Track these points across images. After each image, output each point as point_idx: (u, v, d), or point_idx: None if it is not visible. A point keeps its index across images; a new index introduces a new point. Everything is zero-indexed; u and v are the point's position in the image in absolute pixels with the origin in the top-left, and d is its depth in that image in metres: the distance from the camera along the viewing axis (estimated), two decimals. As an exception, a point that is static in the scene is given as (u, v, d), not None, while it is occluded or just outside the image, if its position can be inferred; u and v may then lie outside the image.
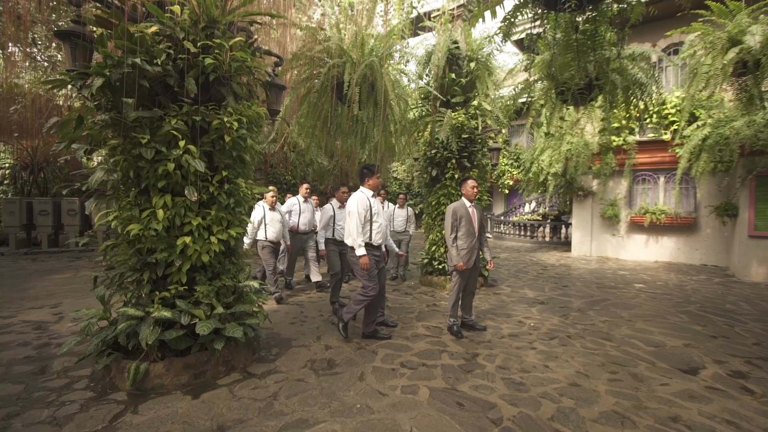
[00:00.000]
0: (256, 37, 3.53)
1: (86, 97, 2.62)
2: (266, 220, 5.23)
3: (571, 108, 7.89)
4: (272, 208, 5.31)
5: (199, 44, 2.82)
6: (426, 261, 6.58)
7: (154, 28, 2.73)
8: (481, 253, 4.22)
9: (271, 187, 5.46)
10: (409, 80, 6.38)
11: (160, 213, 2.76)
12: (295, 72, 5.28)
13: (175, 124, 2.73)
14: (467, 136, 6.13)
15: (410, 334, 4.00)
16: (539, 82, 5.35)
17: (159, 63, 2.71)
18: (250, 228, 5.16)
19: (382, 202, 6.43)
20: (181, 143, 2.71)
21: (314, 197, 6.50)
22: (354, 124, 5.56)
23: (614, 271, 8.30)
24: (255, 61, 3.50)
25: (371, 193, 3.78)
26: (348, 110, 4.99)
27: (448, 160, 6.26)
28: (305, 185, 6.01)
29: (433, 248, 6.49)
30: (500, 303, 5.42)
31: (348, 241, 3.69)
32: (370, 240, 3.69)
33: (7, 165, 13.86)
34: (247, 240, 5.12)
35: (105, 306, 2.80)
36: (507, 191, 17.55)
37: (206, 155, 3.02)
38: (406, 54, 6.35)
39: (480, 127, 6.32)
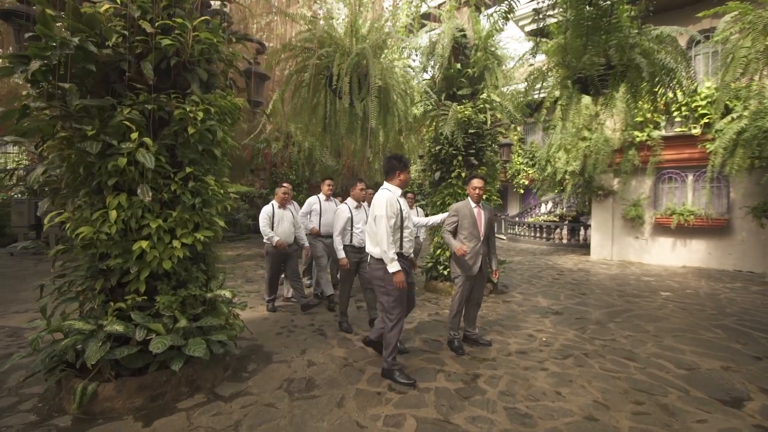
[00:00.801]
0: (230, 20, 3.20)
1: (28, 82, 2.33)
2: (274, 219, 4.71)
3: (589, 100, 7.32)
4: (282, 206, 4.79)
5: (157, 24, 2.50)
6: (430, 265, 6.16)
7: (106, 6, 2.43)
8: (489, 259, 3.79)
9: (285, 185, 4.93)
10: (415, 73, 5.99)
11: (113, 214, 2.45)
12: (289, 65, 4.96)
13: (128, 114, 2.42)
14: (474, 131, 5.68)
15: (406, 348, 3.60)
16: (553, 70, 4.85)
17: (110, 45, 2.40)
18: (263, 228, 4.73)
19: (411, 206, 5.95)
20: (133, 135, 2.39)
21: (339, 198, 5.80)
22: (352, 119, 5.22)
23: (637, 276, 7.67)
24: (231, 47, 3.17)
25: (400, 191, 2.99)
26: (346, 105, 4.63)
27: (454, 158, 5.82)
28: (327, 181, 5.28)
29: (438, 252, 6.06)
30: (510, 313, 4.95)
31: (374, 252, 2.94)
32: (401, 249, 2.95)
33: (22, 165, 14.10)
34: (266, 241, 4.74)
35: (47, 318, 2.50)
36: (522, 191, 16.90)
37: (169, 150, 2.70)
38: (408, 46, 5.97)
39: (489, 122, 5.85)
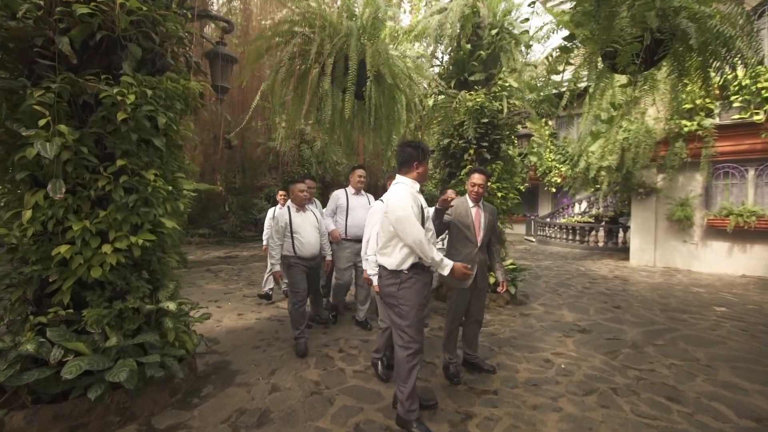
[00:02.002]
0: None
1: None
2: (292, 226, 3.59)
3: (625, 82, 6.40)
4: (301, 208, 3.69)
5: (76, -10, 2.12)
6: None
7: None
8: (492, 270, 3.18)
9: (307, 180, 3.88)
10: (425, 58, 5.43)
11: (27, 214, 2.10)
12: (280, 52, 4.54)
13: (40, 98, 2.05)
14: (487, 120, 5.02)
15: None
16: (579, 44, 4.11)
17: (19, 17, 2.05)
18: (269, 239, 3.98)
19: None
20: (42, 122, 2.02)
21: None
22: (363, 113, 4.73)
23: (685, 287, 6.64)
24: (187, 24, 2.78)
25: (417, 186, 2.40)
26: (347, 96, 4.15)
27: (465, 151, 5.19)
28: (358, 171, 4.25)
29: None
30: (526, 329, 4.26)
31: (386, 262, 2.32)
32: (419, 259, 2.30)
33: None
34: (272, 259, 3.72)
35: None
36: (554, 190, 15.74)
37: (100, 140, 2.32)
38: (412, 29, 5.40)
39: (506, 110, 5.17)
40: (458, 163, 5.31)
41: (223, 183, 12.01)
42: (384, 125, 4.88)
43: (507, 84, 5.15)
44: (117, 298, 2.44)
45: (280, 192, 5.32)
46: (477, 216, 3.01)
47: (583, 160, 8.91)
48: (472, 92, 5.10)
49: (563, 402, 2.66)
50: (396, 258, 2.30)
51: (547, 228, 13.98)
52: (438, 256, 2.27)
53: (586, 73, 4.45)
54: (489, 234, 3.04)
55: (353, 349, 3.59)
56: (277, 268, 3.62)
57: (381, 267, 2.42)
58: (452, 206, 2.95)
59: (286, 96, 4.36)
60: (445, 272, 2.30)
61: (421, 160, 2.38)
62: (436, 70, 5.82)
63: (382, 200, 3.34)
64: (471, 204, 3.00)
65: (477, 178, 2.99)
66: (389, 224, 2.29)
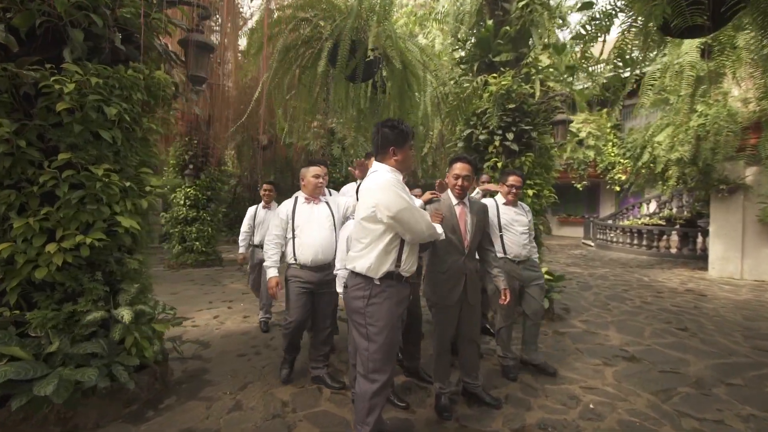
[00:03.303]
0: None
1: None
2: (295, 221, 2.79)
3: (696, 57, 5.24)
4: (313, 198, 2.87)
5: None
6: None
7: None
8: (489, 279, 2.61)
9: (320, 166, 2.97)
10: (445, 41, 4.90)
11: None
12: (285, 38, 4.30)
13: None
14: (514, 105, 4.35)
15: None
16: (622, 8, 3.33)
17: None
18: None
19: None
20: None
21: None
22: (384, 106, 4.37)
23: (783, 307, 5.31)
24: (155, 12, 2.60)
25: (400, 176, 1.95)
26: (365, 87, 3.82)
27: (489, 143, 4.56)
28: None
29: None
30: (556, 352, 3.56)
31: (359, 266, 1.89)
32: (398, 267, 1.89)
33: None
34: (268, 261, 2.82)
35: None
36: (618, 188, 13.99)
37: (41, 133, 2.19)
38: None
39: (538, 93, 4.46)
40: (482, 157, 4.69)
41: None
42: (398, 114, 4.44)
43: (540, 64, 4.43)
44: (69, 300, 2.30)
45: (265, 186, 4.32)
46: (462, 215, 2.47)
47: (648, 152, 7.65)
48: (497, 76, 4.47)
49: (580, 459, 2.04)
50: (369, 260, 1.86)
51: (607, 231, 12.44)
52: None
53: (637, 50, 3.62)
54: (479, 237, 2.49)
55: (343, 363, 3.21)
56: (272, 273, 2.77)
57: (349, 275, 2.00)
58: (439, 198, 2.46)
59: (292, 90, 4.13)
60: (440, 230, 2.07)
61: (399, 145, 1.93)
62: (462, 54, 5.24)
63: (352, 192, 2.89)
64: (454, 201, 2.47)
65: (460, 167, 2.44)
66: (369, 222, 1.86)
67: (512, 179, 3.12)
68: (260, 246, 3.81)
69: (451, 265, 2.36)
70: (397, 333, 1.96)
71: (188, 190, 8.11)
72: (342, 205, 2.91)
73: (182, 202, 8.06)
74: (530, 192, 4.44)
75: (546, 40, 4.32)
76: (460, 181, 2.37)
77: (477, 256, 2.56)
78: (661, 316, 4.81)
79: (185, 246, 8.12)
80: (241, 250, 4.19)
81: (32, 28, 2.13)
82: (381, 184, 1.82)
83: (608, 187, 14.40)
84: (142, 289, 2.64)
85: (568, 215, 17.23)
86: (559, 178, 15.39)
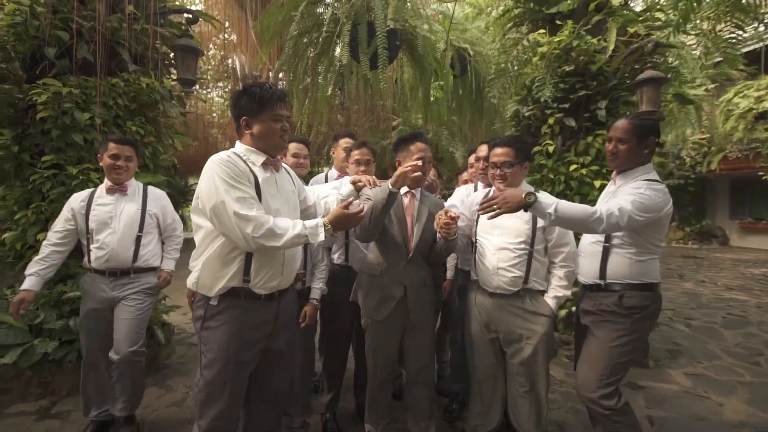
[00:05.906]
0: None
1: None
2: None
3: None
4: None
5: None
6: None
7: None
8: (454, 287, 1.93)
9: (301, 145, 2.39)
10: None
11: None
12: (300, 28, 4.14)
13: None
14: (572, 68, 3.24)
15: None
16: None
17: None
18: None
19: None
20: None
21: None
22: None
23: None
24: (142, 25, 2.86)
25: (261, 158, 1.49)
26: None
27: (543, 122, 3.52)
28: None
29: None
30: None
31: (192, 278, 1.48)
32: (248, 284, 1.50)
33: None
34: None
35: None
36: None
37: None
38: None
39: (611, 48, 3.21)
40: (535, 140, 3.67)
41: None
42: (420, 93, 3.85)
43: (612, 5, 3.17)
44: (60, 282, 2.69)
45: None
46: (409, 208, 1.87)
47: None
48: (551, 34, 3.41)
49: None
50: (197, 271, 1.45)
51: None
52: (299, 225, 1.39)
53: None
54: (430, 238, 1.84)
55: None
56: None
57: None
58: (365, 185, 1.89)
59: (307, 77, 4.00)
60: (320, 236, 1.40)
61: (252, 115, 1.45)
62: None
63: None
64: (404, 190, 1.88)
65: (417, 146, 1.84)
66: (198, 216, 1.47)
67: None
68: None
69: (387, 270, 1.82)
70: (243, 369, 1.45)
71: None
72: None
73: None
74: (597, 184, 3.24)
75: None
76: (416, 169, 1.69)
77: (427, 265, 1.92)
78: None
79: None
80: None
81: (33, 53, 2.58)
82: (206, 168, 1.41)
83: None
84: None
85: (755, 219, 12.26)
86: (737, 168, 11.30)
